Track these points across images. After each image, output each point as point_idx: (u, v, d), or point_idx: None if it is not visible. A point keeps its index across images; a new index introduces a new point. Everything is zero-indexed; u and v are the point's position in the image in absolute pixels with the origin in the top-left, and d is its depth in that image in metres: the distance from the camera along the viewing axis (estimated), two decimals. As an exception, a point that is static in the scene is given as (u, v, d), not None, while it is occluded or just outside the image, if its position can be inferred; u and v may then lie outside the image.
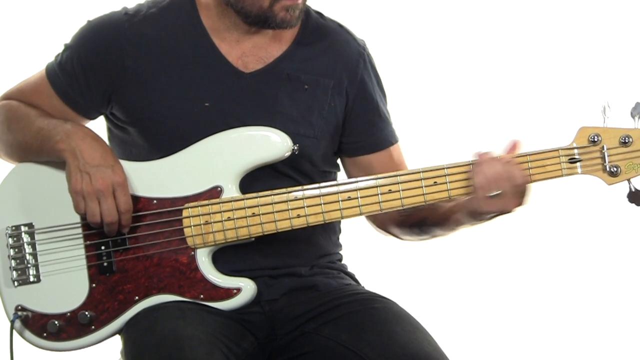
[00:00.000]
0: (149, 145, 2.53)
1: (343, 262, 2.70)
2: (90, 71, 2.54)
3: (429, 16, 4.28)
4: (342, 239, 2.71)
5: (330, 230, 2.64)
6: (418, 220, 2.61)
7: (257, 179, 2.50)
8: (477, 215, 2.44)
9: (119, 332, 2.50)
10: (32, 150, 2.51)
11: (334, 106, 2.59)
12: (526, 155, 2.41)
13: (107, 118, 2.62)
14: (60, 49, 2.59)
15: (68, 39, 2.59)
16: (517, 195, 2.40)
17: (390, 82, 2.73)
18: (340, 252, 2.70)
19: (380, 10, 4.25)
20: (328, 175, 2.65)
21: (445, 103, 4.25)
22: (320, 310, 2.50)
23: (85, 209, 2.44)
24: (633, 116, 2.37)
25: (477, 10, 4.27)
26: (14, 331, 2.49)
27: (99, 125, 2.58)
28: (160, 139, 2.52)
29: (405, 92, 4.08)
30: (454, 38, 4.28)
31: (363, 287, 2.66)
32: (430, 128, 4.18)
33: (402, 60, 4.21)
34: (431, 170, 2.45)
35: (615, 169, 2.39)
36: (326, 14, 2.68)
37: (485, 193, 2.40)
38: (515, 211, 2.42)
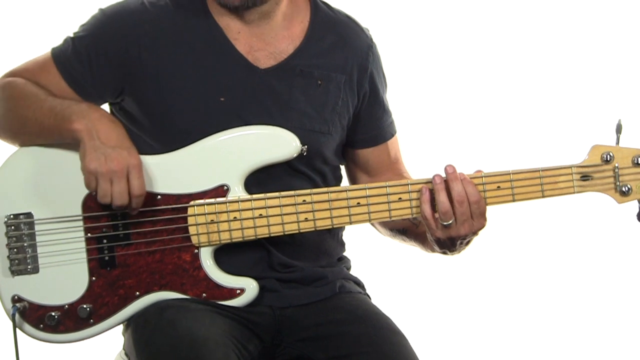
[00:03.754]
0: (162, 138, 2.48)
1: (352, 266, 2.71)
2: (105, 62, 2.48)
3: (442, 17, 4.26)
4: (344, 236, 2.71)
5: (336, 229, 2.63)
6: (400, 229, 2.63)
7: (271, 176, 2.48)
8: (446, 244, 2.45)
9: (117, 325, 2.47)
10: (43, 127, 2.45)
11: (346, 101, 2.58)
12: (538, 171, 2.42)
13: (114, 109, 2.57)
14: (67, 34, 2.53)
15: (76, 27, 2.53)
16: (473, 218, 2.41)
17: (400, 80, 2.72)
18: (344, 253, 2.70)
19: (388, 5, 4.22)
20: (337, 169, 2.65)
21: (457, 112, 4.25)
22: (328, 335, 2.49)
23: (96, 188, 2.39)
24: (645, 136, 2.39)
25: (494, 19, 4.25)
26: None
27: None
28: (174, 132, 2.47)
29: (415, 94, 4.10)
30: (468, 48, 4.27)
31: (370, 298, 2.66)
32: (440, 136, 4.20)
33: (414, 58, 4.21)
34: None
35: (626, 189, 2.40)
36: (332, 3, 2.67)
37: (438, 223, 2.41)
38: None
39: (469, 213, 2.39)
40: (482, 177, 2.42)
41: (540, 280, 4.26)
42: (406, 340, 2.50)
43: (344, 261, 2.69)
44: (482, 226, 2.42)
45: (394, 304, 2.83)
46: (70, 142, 2.44)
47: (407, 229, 2.62)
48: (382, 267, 4.05)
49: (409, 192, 2.43)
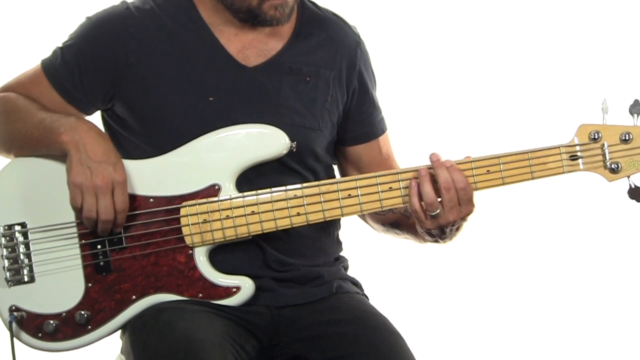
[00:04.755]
0: (153, 141, 2.50)
1: (349, 265, 2.70)
2: (94, 68, 2.50)
3: (427, 10, 4.28)
4: (340, 235, 2.70)
5: (331, 226, 2.63)
6: (392, 222, 2.63)
7: (262, 174, 2.48)
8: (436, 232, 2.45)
9: (116, 331, 2.47)
10: (32, 139, 2.47)
11: (335, 97, 2.59)
12: (527, 152, 2.42)
13: (106, 114, 2.58)
14: (56, 45, 2.55)
15: (65, 36, 2.55)
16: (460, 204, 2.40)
17: (388, 76, 2.73)
18: (341, 253, 2.69)
19: (373, 5, 4.25)
20: (329, 168, 2.66)
21: (445, 101, 4.26)
22: (326, 335, 2.48)
23: (82, 203, 2.40)
24: (632, 113, 2.39)
25: (477, 7, 4.28)
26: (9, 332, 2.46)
27: (97, 121, 2.55)
28: (165, 134, 2.48)
29: (402, 87, 4.10)
30: (454, 35, 4.28)
31: (367, 299, 2.66)
32: (428, 124, 4.20)
33: (400, 53, 4.21)
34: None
35: (615, 166, 2.41)
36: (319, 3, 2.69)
37: (425, 214, 2.40)
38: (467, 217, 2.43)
39: (456, 199, 2.39)
40: (471, 162, 2.42)
41: (537, 281, 4.24)
42: (403, 340, 2.49)
43: (341, 261, 2.68)
44: (470, 212, 2.42)
45: (392, 305, 2.82)
46: (59, 154, 2.46)
47: (399, 222, 2.62)
48: (380, 267, 4.04)
49: (399, 181, 2.43)
